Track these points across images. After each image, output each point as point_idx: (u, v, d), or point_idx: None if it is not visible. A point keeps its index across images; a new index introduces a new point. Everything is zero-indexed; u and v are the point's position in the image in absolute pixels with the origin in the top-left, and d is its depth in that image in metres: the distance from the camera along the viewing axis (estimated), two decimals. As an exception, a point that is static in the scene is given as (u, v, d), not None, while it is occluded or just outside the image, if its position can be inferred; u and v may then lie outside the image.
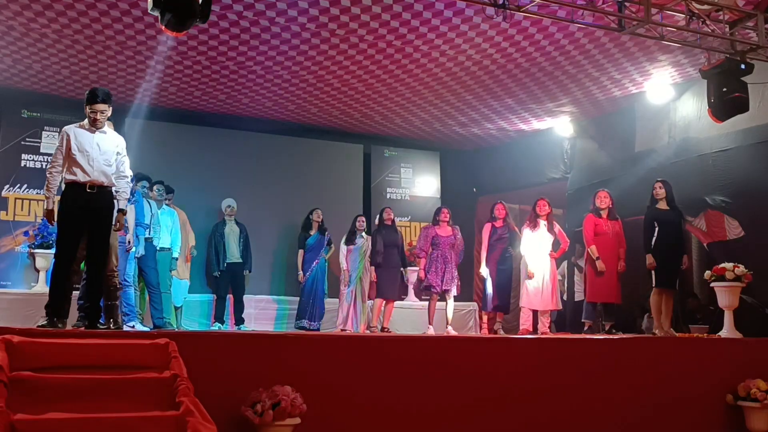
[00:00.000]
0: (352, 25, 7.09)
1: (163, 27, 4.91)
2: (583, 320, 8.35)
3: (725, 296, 7.00)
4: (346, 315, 8.94)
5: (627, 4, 6.23)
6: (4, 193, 9.13)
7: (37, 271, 8.71)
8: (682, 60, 7.84)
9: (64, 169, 5.24)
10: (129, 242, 6.85)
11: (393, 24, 7.05)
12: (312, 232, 9.42)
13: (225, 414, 4.26)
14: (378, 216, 9.13)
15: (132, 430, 3.58)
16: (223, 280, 9.07)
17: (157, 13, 4.82)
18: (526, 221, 8.40)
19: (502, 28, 7.03)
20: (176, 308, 8.43)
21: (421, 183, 11.88)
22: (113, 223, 5.39)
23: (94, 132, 5.30)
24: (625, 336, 7.15)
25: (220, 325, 8.85)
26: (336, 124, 10.56)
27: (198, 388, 3.91)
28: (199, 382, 3.99)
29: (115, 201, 5.43)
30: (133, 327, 6.77)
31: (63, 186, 5.28)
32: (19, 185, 9.18)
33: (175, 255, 8.04)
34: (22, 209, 9.16)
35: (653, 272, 7.42)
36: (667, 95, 8.74)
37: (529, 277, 8.05)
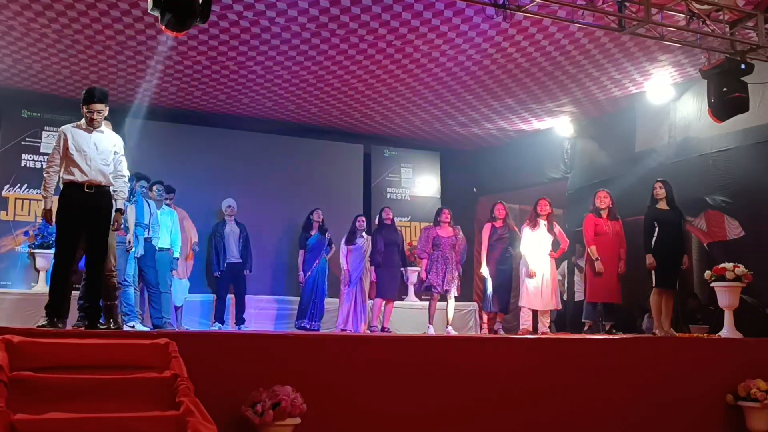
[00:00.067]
0: (352, 25, 7.09)
1: (163, 27, 4.91)
2: (583, 320, 8.34)
3: (725, 296, 7.00)
4: (346, 315, 8.95)
5: (627, 4, 6.24)
6: (4, 193, 9.12)
7: (37, 271, 8.71)
8: (682, 60, 7.84)
9: (62, 169, 5.24)
10: (129, 242, 6.84)
11: (393, 24, 7.05)
12: (312, 233, 9.41)
13: (225, 414, 4.25)
14: (378, 216, 9.13)
15: (132, 430, 3.58)
16: (224, 281, 9.07)
17: (157, 13, 4.82)
18: (526, 220, 8.40)
19: (503, 28, 7.03)
20: (176, 308, 8.44)
21: (421, 183, 11.88)
22: (111, 222, 5.39)
23: (91, 132, 5.30)
24: (625, 336, 7.15)
25: (220, 325, 8.85)
26: (336, 124, 10.55)
27: (198, 388, 3.90)
28: (199, 382, 3.98)
29: (113, 201, 5.42)
30: (133, 327, 6.76)
31: (61, 186, 5.28)
32: (19, 185, 9.18)
33: (176, 255, 8.04)
34: (22, 209, 9.16)
35: (653, 272, 7.42)
36: (668, 95, 8.74)
37: (531, 276, 8.06)
